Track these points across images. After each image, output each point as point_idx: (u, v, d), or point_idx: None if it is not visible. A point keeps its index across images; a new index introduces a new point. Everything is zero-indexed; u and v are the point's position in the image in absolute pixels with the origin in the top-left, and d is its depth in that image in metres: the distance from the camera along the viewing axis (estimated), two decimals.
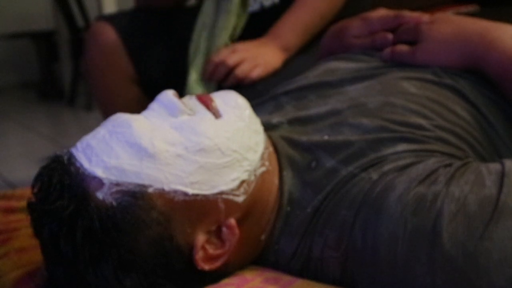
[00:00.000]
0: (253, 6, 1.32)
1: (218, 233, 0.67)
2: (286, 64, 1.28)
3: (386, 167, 0.68)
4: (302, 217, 0.70)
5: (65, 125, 3.82)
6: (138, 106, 1.37)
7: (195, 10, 1.37)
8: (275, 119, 0.81)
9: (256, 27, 1.31)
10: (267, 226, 0.72)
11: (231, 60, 1.22)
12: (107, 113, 1.44)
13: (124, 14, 1.49)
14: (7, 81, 5.29)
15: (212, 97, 0.71)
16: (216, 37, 1.29)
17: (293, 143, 0.76)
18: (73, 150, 0.67)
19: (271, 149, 0.74)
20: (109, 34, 1.39)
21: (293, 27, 1.27)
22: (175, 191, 0.64)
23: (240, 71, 1.22)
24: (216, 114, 0.69)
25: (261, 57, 1.24)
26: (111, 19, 1.43)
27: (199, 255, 0.65)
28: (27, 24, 5.02)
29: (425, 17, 0.87)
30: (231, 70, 1.22)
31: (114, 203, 0.62)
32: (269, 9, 1.32)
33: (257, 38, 1.29)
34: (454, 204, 0.61)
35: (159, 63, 1.38)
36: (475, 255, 0.59)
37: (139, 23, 1.42)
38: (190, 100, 0.71)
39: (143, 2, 1.46)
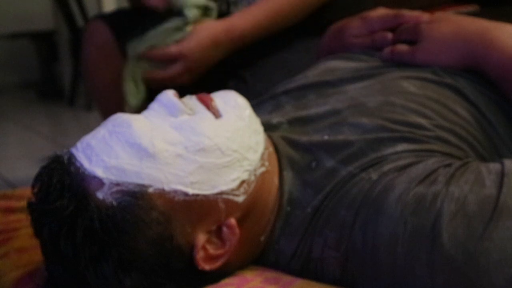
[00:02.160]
0: (242, 3, 1.32)
1: (218, 233, 0.67)
2: (286, 63, 1.28)
3: (386, 167, 0.68)
4: (302, 217, 0.70)
5: (65, 125, 3.81)
6: None
7: None
8: (275, 119, 0.81)
9: None
10: (267, 226, 0.72)
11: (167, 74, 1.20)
12: (103, 110, 1.45)
13: (121, 13, 1.49)
14: (7, 81, 5.28)
15: (212, 97, 0.71)
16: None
17: (293, 144, 0.76)
18: (73, 150, 0.67)
19: (271, 149, 0.74)
20: (102, 31, 1.39)
21: (251, 19, 1.25)
22: (175, 191, 0.64)
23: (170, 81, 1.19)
24: (216, 114, 0.69)
25: (199, 62, 1.21)
26: (106, 17, 1.44)
27: (199, 255, 0.65)
28: (27, 24, 5.01)
29: (425, 16, 0.87)
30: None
31: (114, 203, 0.62)
32: None
33: None
34: (454, 204, 0.61)
35: None
36: (475, 255, 0.59)
37: (134, 21, 1.42)
38: (190, 100, 0.71)
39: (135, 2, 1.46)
